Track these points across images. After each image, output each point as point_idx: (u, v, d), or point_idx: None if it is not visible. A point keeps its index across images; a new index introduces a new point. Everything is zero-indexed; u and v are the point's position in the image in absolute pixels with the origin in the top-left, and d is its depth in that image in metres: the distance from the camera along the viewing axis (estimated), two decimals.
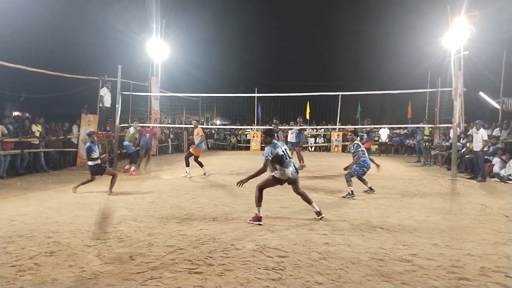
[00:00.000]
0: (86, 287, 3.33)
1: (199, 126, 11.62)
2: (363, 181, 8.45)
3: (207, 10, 30.10)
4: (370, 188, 8.45)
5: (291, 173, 5.76)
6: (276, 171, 5.84)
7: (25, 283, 3.41)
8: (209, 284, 3.43)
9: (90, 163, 8.30)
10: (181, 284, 3.41)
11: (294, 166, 5.89)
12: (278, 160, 5.75)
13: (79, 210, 6.39)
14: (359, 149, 8.22)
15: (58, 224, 5.47)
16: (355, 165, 8.16)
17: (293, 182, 5.90)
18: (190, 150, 11.57)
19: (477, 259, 4.16)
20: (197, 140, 11.26)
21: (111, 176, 8.26)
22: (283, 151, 5.79)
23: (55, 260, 3.99)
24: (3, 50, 12.85)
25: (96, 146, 8.51)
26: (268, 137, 5.99)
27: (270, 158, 5.70)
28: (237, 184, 5.72)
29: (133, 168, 11.54)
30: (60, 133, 12.89)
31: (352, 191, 7.89)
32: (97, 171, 8.30)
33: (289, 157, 5.89)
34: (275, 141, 5.94)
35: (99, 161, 8.36)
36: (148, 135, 12.41)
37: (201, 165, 11.28)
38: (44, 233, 4.98)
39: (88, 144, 8.40)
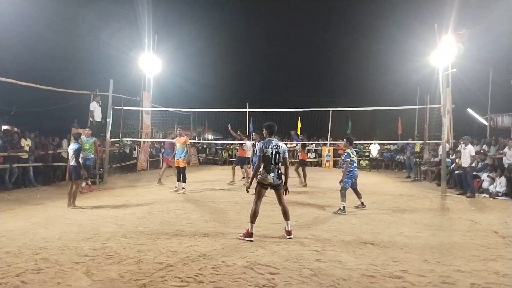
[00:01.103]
0: None
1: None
2: (357, 194, 8.47)
3: (199, 25, 30.23)
4: (362, 203, 8.47)
5: (272, 179, 5.60)
6: (259, 174, 5.70)
7: None
8: None
9: (73, 163, 8.22)
10: None
11: (278, 174, 5.66)
12: (265, 161, 5.60)
13: (68, 226, 6.31)
14: (348, 159, 8.26)
15: (46, 240, 5.39)
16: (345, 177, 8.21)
17: (275, 188, 5.72)
18: (183, 163, 10.89)
19: (467, 275, 4.18)
20: (184, 150, 10.95)
21: (73, 187, 8.19)
22: (271, 154, 5.57)
23: (42, 277, 3.92)
24: None
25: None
26: (266, 131, 5.80)
27: (261, 155, 5.57)
28: (246, 191, 6.02)
29: (84, 183, 10.57)
30: (50, 148, 12.78)
31: (344, 207, 7.90)
32: (78, 174, 8.27)
33: (276, 163, 5.62)
34: (272, 139, 5.73)
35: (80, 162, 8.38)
36: (168, 147, 12.67)
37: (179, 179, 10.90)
38: (32, 250, 4.89)
39: (76, 145, 8.32)
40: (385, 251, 5.11)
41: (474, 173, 11.41)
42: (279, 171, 5.71)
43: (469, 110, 17.82)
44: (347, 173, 8.22)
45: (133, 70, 17.85)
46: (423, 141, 15.89)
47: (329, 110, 13.92)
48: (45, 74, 18.03)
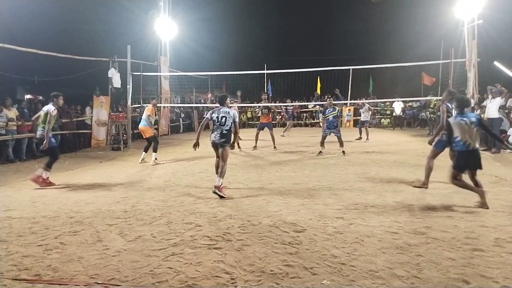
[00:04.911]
0: (111, 264, 3.47)
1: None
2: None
3: None
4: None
5: (213, 138, 6.29)
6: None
7: (52, 261, 3.56)
8: (229, 259, 3.54)
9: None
10: (202, 259, 3.53)
11: (220, 134, 6.23)
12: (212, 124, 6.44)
13: (98, 190, 6.56)
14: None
15: (79, 204, 5.64)
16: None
17: (215, 147, 6.36)
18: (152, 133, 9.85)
19: (491, 230, 4.21)
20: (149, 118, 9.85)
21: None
22: (217, 118, 6.31)
23: (79, 239, 4.14)
24: (13, 35, 12.91)
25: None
26: (219, 102, 6.67)
27: (209, 118, 6.46)
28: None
29: (45, 173, 7.15)
30: (73, 115, 13.07)
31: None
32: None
33: (221, 126, 6.25)
34: (223, 108, 6.43)
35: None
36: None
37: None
38: (66, 213, 5.14)
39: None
40: (409, 208, 5.16)
41: (501, 128, 11.15)
42: (223, 132, 6.28)
43: (495, 63, 17.13)
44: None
45: (149, 34, 17.73)
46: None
47: (349, 69, 13.64)
48: (63, 41, 18.16)
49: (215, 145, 6.35)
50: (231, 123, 6.31)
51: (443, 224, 4.45)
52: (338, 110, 10.91)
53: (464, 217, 4.69)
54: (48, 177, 7.14)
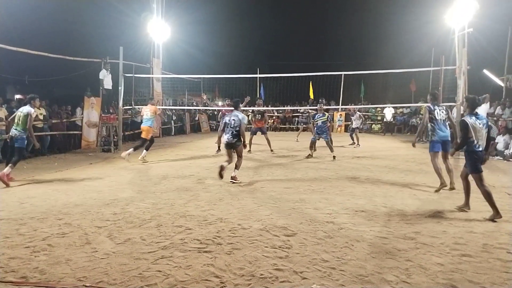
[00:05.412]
0: (99, 266, 3.43)
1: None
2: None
3: None
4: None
5: (227, 139, 7.38)
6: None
7: (40, 263, 3.51)
8: (219, 262, 3.53)
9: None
10: (192, 263, 3.51)
11: (232, 135, 7.31)
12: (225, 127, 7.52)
13: (87, 192, 6.50)
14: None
15: (67, 206, 5.57)
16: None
17: (228, 147, 7.44)
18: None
19: (479, 236, 4.25)
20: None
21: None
22: (229, 121, 7.37)
23: (67, 241, 4.10)
24: (4, 33, 12.77)
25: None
26: (233, 106, 7.84)
27: (226, 121, 7.48)
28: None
29: (7, 169, 7.25)
30: (63, 116, 12.95)
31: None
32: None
33: (231, 127, 7.32)
34: (235, 111, 7.53)
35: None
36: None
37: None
38: (55, 215, 5.08)
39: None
40: (398, 213, 5.20)
41: (490, 135, 11.29)
42: (234, 133, 7.33)
43: (485, 71, 17.37)
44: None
45: (141, 36, 17.70)
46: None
47: (341, 74, 13.74)
48: (55, 41, 17.99)
49: (229, 146, 7.38)
50: (239, 125, 7.27)
51: (432, 229, 4.49)
52: (327, 116, 10.97)
53: (453, 223, 4.73)
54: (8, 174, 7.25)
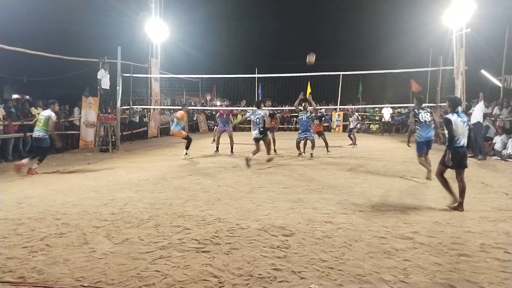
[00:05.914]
0: (97, 267, 3.43)
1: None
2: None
3: None
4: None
5: (255, 134, 9.16)
6: None
7: (38, 263, 3.51)
8: (217, 262, 3.53)
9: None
10: (190, 263, 3.51)
11: (259, 130, 9.08)
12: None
13: (85, 192, 6.49)
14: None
15: (65, 206, 5.56)
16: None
17: (257, 141, 9.15)
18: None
19: (477, 236, 4.26)
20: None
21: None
22: (257, 119, 9.12)
23: (65, 241, 4.09)
24: (2, 33, 12.74)
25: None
26: (255, 105, 9.66)
27: (248, 117, 9.79)
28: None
29: (34, 165, 8.41)
30: (61, 116, 12.92)
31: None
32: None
33: (257, 124, 9.09)
34: (257, 110, 9.23)
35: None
36: (225, 115, 12.19)
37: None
38: (52, 215, 5.07)
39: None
40: (396, 213, 5.20)
41: (487, 135, 11.33)
42: (260, 129, 9.12)
43: (482, 71, 17.42)
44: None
45: (140, 36, 17.68)
46: (434, 104, 15.71)
47: (339, 74, 13.75)
48: (53, 41, 17.96)
49: (257, 139, 9.13)
50: (263, 121, 9.01)
51: (430, 229, 4.49)
52: (309, 112, 10.99)
53: (451, 223, 4.74)
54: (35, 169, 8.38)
